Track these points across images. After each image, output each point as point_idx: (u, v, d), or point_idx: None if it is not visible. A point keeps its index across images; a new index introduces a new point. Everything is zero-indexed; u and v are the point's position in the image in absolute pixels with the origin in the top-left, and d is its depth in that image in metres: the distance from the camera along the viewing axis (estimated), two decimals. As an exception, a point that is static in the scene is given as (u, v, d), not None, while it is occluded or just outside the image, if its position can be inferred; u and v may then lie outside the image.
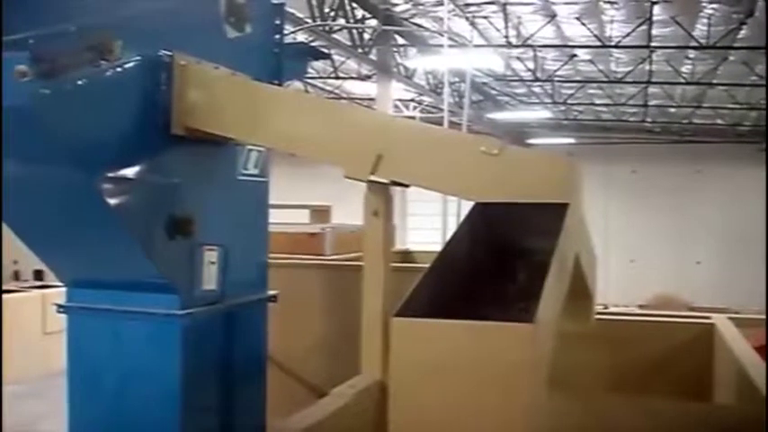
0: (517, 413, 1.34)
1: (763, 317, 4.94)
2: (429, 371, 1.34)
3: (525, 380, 1.34)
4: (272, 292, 3.23)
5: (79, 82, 2.33)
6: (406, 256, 5.30)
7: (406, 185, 2.35)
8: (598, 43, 12.57)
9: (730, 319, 3.64)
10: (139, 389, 2.79)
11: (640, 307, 14.37)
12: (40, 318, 9.34)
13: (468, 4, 11.48)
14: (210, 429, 2.96)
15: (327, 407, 1.94)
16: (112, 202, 2.49)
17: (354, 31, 12.34)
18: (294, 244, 4.54)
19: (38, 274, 10.89)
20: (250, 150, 3.04)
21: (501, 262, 1.69)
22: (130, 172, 2.53)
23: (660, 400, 2.34)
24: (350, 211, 4.46)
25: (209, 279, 2.82)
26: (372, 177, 2.28)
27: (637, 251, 19.89)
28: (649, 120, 19.50)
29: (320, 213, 7.23)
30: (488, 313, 1.38)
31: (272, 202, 3.34)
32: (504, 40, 12.43)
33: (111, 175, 2.48)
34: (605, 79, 15.14)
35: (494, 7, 11.56)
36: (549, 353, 1.61)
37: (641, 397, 2.52)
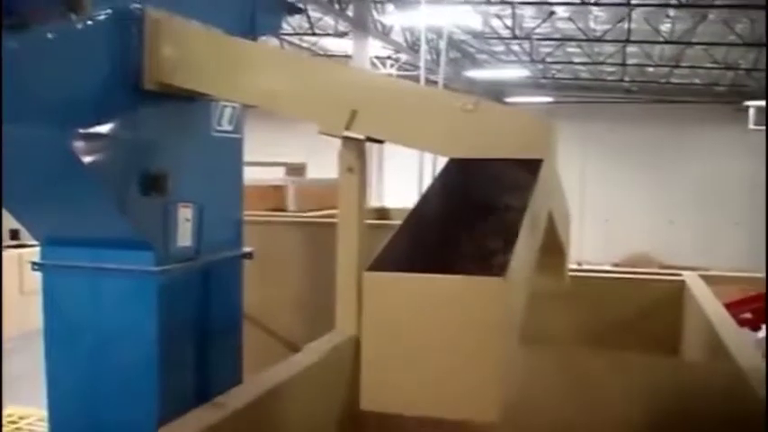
0: (489, 366, 1.35)
1: (734, 275, 5.04)
2: (400, 325, 1.35)
3: (497, 333, 1.35)
4: (247, 249, 3.23)
5: (48, 36, 2.29)
6: (382, 213, 5.31)
7: (381, 141, 2.35)
8: (577, 0, 12.50)
9: (701, 276, 3.69)
10: (116, 346, 2.80)
11: (614, 265, 14.54)
12: (17, 277, 9.27)
13: (446, -40, 11.37)
14: (187, 385, 2.97)
15: (302, 361, 1.95)
16: (85, 158, 2.46)
17: (331, -14, 12.18)
18: (256, 198, 4.46)
19: (14, 234, 10.77)
20: (224, 106, 3.01)
21: (474, 218, 1.69)
22: (102, 128, 2.50)
23: (631, 355, 2.39)
24: (325, 169, 4.45)
25: (185, 236, 2.81)
26: (347, 133, 2.27)
27: (612, 210, 20.05)
28: (627, 79, 19.51)
29: (295, 170, 7.22)
30: (461, 268, 1.38)
31: (246, 159, 3.32)
32: (483, -4, 12.34)
33: (82, 131, 2.45)
34: (584, 38, 15.10)
35: (472, -37, 11.46)
36: (522, 308, 1.62)
37: (612, 352, 2.56)
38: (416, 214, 1.69)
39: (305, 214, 4.80)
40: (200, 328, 3.00)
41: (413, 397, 1.37)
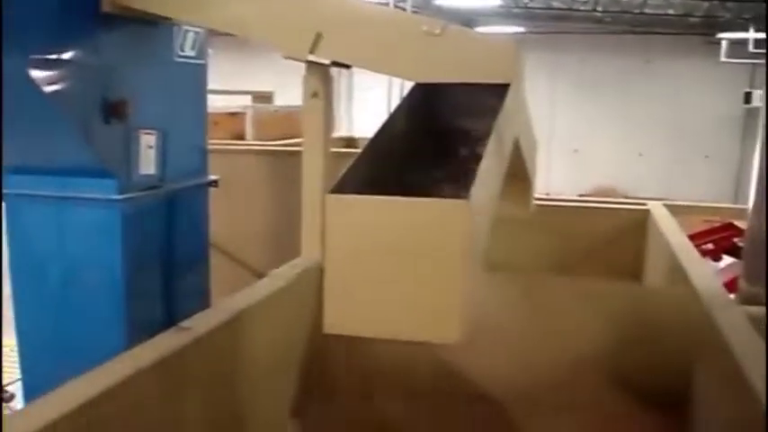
0: (452, 289, 1.35)
1: (697, 204, 5.11)
2: (362, 247, 1.34)
3: (460, 256, 1.34)
4: (212, 177, 3.20)
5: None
6: (350, 142, 5.26)
7: (347, 66, 2.31)
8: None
9: (666, 206, 3.72)
10: (82, 274, 2.79)
11: (580, 197, 14.66)
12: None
13: None
14: (155, 314, 2.98)
15: (268, 287, 1.95)
16: (43, 84, 2.41)
17: None
18: (213, 124, 4.33)
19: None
20: (187, 31, 2.94)
21: (439, 142, 1.68)
22: (61, 54, 2.44)
23: (593, 281, 2.42)
24: (295, 98, 4.38)
25: (147, 163, 2.78)
26: (312, 57, 2.23)
27: (581, 141, 20.11)
28: (600, 9, 19.29)
29: (263, 99, 7.12)
30: (424, 191, 1.37)
31: (215, 87, 3.27)
32: None
33: (40, 57, 2.39)
34: (557, -36, 14.86)
35: None
36: (485, 232, 1.62)
37: (575, 278, 2.60)
38: (380, 137, 1.67)
39: (265, 143, 4.72)
40: (167, 256, 2.98)
41: (375, 320, 1.37)
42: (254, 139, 4.90)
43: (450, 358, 2.26)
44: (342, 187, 1.39)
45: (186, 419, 1.53)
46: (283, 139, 4.77)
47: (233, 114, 5.06)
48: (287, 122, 5.11)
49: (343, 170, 1.49)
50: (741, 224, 4.81)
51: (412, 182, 1.42)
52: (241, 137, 4.86)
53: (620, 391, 2.23)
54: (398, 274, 1.34)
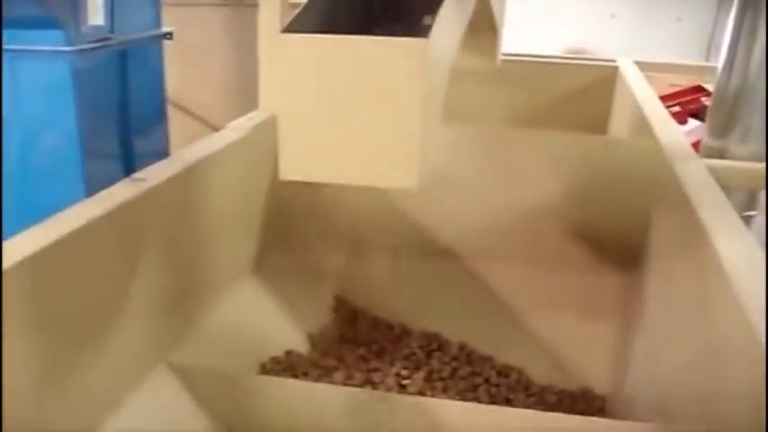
0: (410, 133, 1.32)
1: (667, 62, 5.06)
2: (317, 90, 1.28)
3: (418, 99, 1.30)
4: (166, 29, 3.08)
5: None
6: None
7: None
8: None
9: (636, 63, 3.67)
10: (37, 133, 2.71)
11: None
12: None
13: None
14: (114, 172, 2.92)
15: (224, 138, 1.90)
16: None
17: None
18: None
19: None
20: None
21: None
22: None
23: (557, 133, 2.39)
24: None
25: (96, 12, 2.64)
26: None
27: (553, 3, 19.67)
28: None
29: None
30: (382, 30, 1.30)
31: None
32: None
33: None
34: None
35: None
36: (446, 79, 1.57)
37: (537, 129, 2.57)
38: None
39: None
40: (123, 112, 2.90)
41: (331, 165, 1.34)
42: None
43: (412, 210, 2.25)
44: (296, 26, 1.32)
45: (141, 273, 1.51)
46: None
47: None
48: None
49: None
50: (710, 87, 4.77)
51: (370, 22, 1.36)
52: None
53: (580, 243, 2.26)
54: (354, 118, 1.29)
